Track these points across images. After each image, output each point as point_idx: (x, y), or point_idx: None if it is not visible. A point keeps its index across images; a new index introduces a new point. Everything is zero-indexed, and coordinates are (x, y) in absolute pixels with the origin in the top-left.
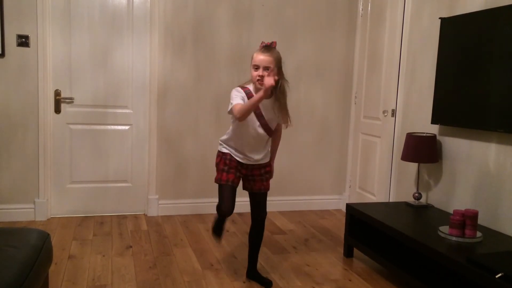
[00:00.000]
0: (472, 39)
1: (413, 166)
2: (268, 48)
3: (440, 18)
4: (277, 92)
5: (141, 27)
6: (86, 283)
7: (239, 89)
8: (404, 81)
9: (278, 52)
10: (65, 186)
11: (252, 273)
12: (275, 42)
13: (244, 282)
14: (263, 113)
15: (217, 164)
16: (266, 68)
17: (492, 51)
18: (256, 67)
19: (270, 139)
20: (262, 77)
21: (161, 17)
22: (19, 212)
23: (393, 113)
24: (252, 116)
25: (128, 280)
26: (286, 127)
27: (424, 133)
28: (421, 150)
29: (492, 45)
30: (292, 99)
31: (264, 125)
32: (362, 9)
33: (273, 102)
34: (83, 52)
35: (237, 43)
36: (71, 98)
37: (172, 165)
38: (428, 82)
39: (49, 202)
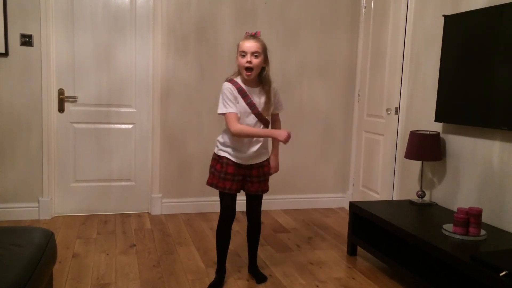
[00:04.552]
0: (476, 37)
1: (416, 164)
2: (254, 36)
3: (443, 15)
4: (263, 80)
5: (144, 26)
6: (90, 282)
7: (230, 88)
8: (408, 79)
9: (263, 41)
10: (69, 185)
11: (252, 269)
12: (259, 32)
13: (248, 281)
14: (254, 102)
15: (211, 167)
16: (254, 54)
17: (496, 48)
18: (243, 54)
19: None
20: (250, 63)
21: (164, 16)
22: (23, 211)
23: (397, 111)
24: (246, 108)
25: (132, 279)
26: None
27: (427, 131)
28: (425, 148)
29: (496, 42)
30: (295, 98)
31: (258, 114)
32: (365, 7)
33: (259, 92)
34: (87, 51)
35: None
36: (74, 97)
37: (175, 163)
38: (431, 80)
39: (53, 201)
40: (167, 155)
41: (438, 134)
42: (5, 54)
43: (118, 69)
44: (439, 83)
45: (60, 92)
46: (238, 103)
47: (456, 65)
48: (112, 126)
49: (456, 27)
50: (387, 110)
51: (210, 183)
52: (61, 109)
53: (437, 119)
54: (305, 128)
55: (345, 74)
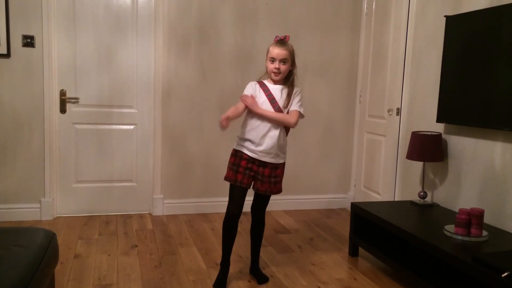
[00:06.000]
0: (477, 37)
1: (418, 165)
2: (283, 42)
3: (445, 16)
4: (288, 82)
5: (145, 26)
6: (92, 282)
7: (252, 83)
8: (409, 79)
9: (292, 45)
10: (71, 186)
11: (253, 269)
12: (288, 36)
13: (249, 281)
14: (275, 97)
15: (229, 162)
16: (282, 61)
17: (497, 49)
18: (273, 60)
19: (285, 134)
20: (278, 69)
21: (165, 17)
22: (25, 212)
23: (398, 111)
24: (267, 101)
25: (133, 279)
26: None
27: (429, 131)
28: (426, 149)
29: (498, 43)
30: None
31: (277, 109)
32: (366, 8)
33: (281, 88)
34: (88, 52)
35: (242, 43)
36: (76, 98)
37: (176, 164)
38: (433, 81)
39: (55, 202)
40: (169, 156)
41: (440, 135)
42: (7, 55)
43: (119, 70)
44: (440, 83)
45: (62, 93)
46: (258, 97)
47: (458, 65)
48: (114, 127)
49: (458, 27)
50: (389, 110)
51: (226, 177)
52: (62, 110)
53: (438, 120)
54: (306, 129)
55: (347, 75)
